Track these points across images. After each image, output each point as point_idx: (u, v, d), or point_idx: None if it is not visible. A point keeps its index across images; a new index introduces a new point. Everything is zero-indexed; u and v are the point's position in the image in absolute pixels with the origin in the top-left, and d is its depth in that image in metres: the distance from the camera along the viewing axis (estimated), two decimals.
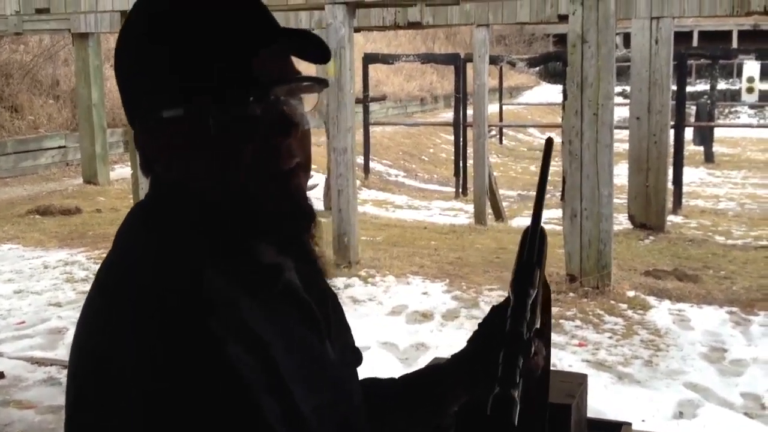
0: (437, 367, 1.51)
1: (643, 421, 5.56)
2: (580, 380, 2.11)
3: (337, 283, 8.91)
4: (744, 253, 11.31)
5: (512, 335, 1.20)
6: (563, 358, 6.78)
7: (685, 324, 7.75)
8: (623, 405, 5.76)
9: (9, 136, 18.70)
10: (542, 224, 1.33)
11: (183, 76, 1.14)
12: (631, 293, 8.46)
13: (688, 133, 19.58)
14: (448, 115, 24.58)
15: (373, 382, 1.50)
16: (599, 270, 8.44)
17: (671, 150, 13.59)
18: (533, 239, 1.30)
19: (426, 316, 8.04)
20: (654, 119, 12.40)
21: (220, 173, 1.15)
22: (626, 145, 13.17)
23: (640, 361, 6.78)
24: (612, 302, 8.18)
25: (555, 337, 7.23)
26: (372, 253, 10.34)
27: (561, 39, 35.27)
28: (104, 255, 1.22)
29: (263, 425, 1.06)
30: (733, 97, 34.41)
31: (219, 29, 1.14)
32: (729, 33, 42.73)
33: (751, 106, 32.66)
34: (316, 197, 17.02)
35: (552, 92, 40.22)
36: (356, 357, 1.42)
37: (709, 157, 23.84)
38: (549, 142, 1.35)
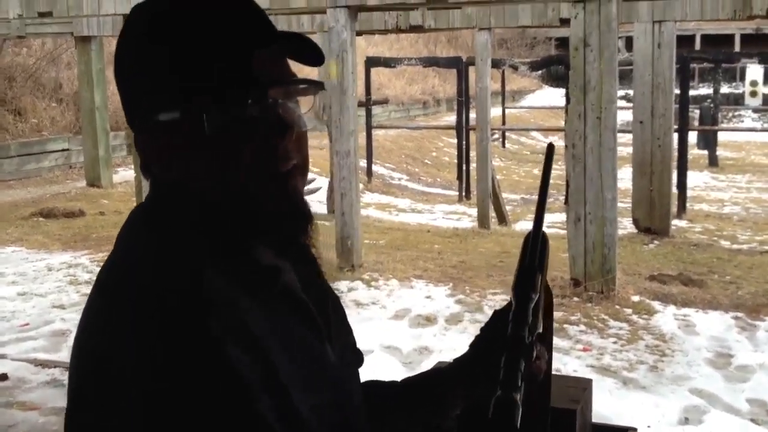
0: (439, 370, 1.51)
1: (648, 426, 5.55)
2: (585, 385, 2.10)
3: (341, 286, 8.90)
4: (749, 257, 11.28)
5: (514, 339, 1.21)
6: (567, 363, 6.76)
7: (691, 329, 7.73)
8: (628, 410, 5.74)
9: (12, 139, 18.72)
10: (544, 229, 1.33)
11: (182, 77, 1.14)
12: (635, 298, 8.43)
13: (692, 136, 19.55)
14: (451, 119, 24.58)
15: (373, 384, 1.50)
16: (603, 274, 8.42)
17: (675, 154, 13.57)
18: (535, 244, 1.30)
19: (429, 320, 8.03)
20: (657, 123, 12.38)
21: (218, 174, 1.15)
22: (630, 149, 13.16)
23: (645, 367, 6.76)
24: (617, 307, 8.16)
25: (559, 342, 7.22)
26: (375, 257, 10.33)
27: (563, 42, 35.28)
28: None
29: (262, 425, 1.07)
30: (737, 100, 34.38)
31: (218, 31, 1.15)
32: (731, 37, 42.77)
33: (755, 110, 32.59)
34: (318, 200, 17.01)
35: (554, 96, 40.21)
36: (357, 358, 1.43)
37: (713, 161, 23.81)
38: (550, 147, 1.36)
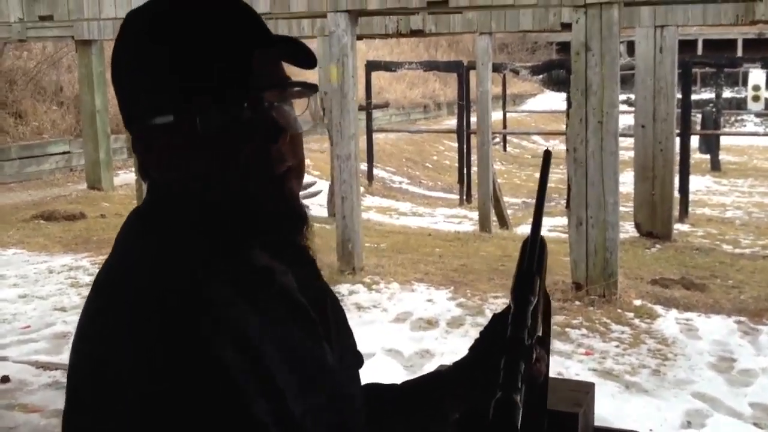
0: (438, 373, 1.53)
1: (650, 430, 5.54)
2: (587, 389, 2.09)
3: (342, 289, 8.89)
4: (752, 262, 11.27)
5: (513, 341, 1.21)
6: (570, 367, 6.75)
7: (693, 333, 7.71)
8: (631, 414, 5.74)
9: (13, 141, 18.75)
10: (542, 233, 1.34)
11: (177, 80, 1.15)
12: (637, 302, 8.42)
13: (694, 141, 19.55)
14: (451, 123, 24.62)
15: (373, 387, 1.50)
16: (605, 278, 8.41)
17: (677, 158, 13.56)
18: (533, 248, 1.30)
19: (431, 324, 8.02)
20: (659, 127, 12.38)
21: (213, 176, 1.16)
22: (632, 153, 13.15)
23: (648, 371, 6.75)
24: (618, 311, 8.15)
25: (561, 346, 7.21)
26: (376, 260, 10.32)
27: (564, 47, 35.37)
28: None
29: (257, 427, 1.07)
30: (739, 105, 34.45)
31: (215, 34, 1.16)
32: (734, 41, 42.78)
33: (757, 115, 32.66)
34: (319, 204, 17.03)
35: (555, 100, 40.24)
36: (357, 360, 1.43)
37: (715, 166, 23.83)
38: (547, 153, 1.36)
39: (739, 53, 40.77)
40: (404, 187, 22.08)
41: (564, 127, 9.49)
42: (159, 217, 1.21)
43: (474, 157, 16.82)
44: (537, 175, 1.39)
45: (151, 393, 1.02)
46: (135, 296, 1.10)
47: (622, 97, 10.05)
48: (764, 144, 28.47)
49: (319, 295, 1.34)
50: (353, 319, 7.82)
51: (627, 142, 13.64)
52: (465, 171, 18.97)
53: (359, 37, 12.07)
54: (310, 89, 1.25)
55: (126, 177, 17.72)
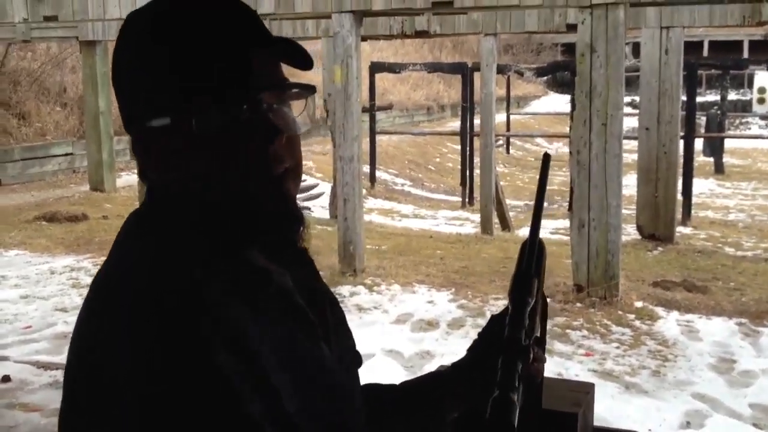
0: (437, 374, 1.54)
1: (650, 431, 5.53)
2: (587, 389, 2.09)
3: (343, 290, 8.90)
4: (754, 264, 11.26)
5: (510, 341, 1.22)
6: (570, 368, 6.75)
7: (694, 335, 7.71)
8: (630, 415, 5.73)
9: (16, 143, 18.78)
10: (541, 235, 1.35)
11: (174, 82, 1.15)
12: (639, 304, 8.42)
13: (698, 143, 19.55)
14: (455, 125, 24.62)
15: (372, 387, 1.50)
16: (607, 280, 8.40)
17: (681, 161, 13.55)
18: (531, 250, 1.31)
19: (431, 325, 8.02)
20: (663, 130, 12.37)
21: (210, 178, 1.16)
22: (635, 156, 13.15)
23: (648, 372, 6.75)
24: (619, 313, 8.15)
25: (562, 347, 7.22)
26: (378, 262, 10.33)
27: (569, 48, 35.36)
28: None
29: (252, 428, 1.07)
30: (744, 107, 34.37)
31: (214, 35, 1.16)
32: (740, 43, 42.75)
33: (762, 117, 32.63)
34: (321, 206, 17.03)
35: (560, 102, 40.24)
36: (356, 360, 1.43)
37: (719, 168, 23.82)
38: (546, 156, 1.37)
39: (745, 55, 40.73)
40: (406, 189, 22.09)
41: (568, 129, 9.48)
42: (157, 219, 1.21)
43: (477, 160, 16.82)
44: None
45: (148, 394, 1.02)
46: (133, 297, 1.10)
47: (627, 99, 10.05)
48: None
49: (318, 296, 1.34)
50: (354, 320, 7.84)
51: (631, 144, 13.64)
52: (467, 173, 18.98)
53: (363, 38, 12.09)
54: (308, 90, 1.25)
55: (128, 178, 17.77)
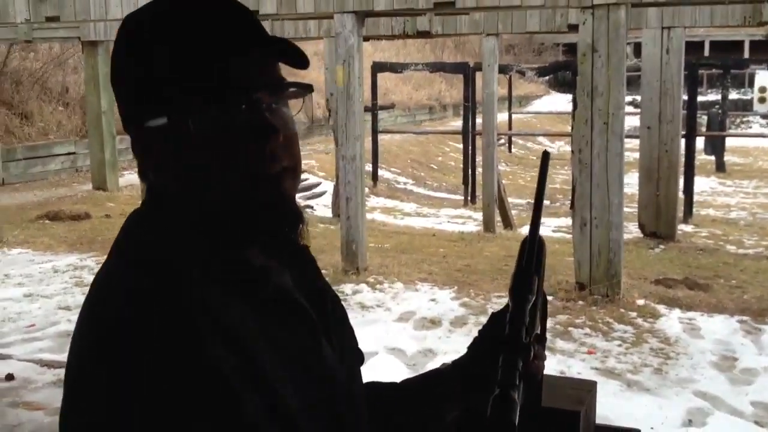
0: (437, 372, 1.53)
1: (652, 428, 5.54)
2: (589, 387, 2.10)
3: (345, 289, 8.91)
4: (755, 262, 11.27)
5: (511, 339, 1.22)
6: (572, 366, 6.76)
7: (696, 333, 7.72)
8: (632, 412, 5.74)
9: (19, 142, 18.80)
10: (543, 233, 1.35)
11: (169, 82, 1.16)
12: (641, 302, 8.43)
13: (700, 142, 19.54)
14: (457, 124, 24.62)
15: (373, 385, 1.50)
16: (609, 278, 8.41)
17: (682, 159, 13.56)
18: (531, 248, 1.31)
19: (434, 323, 8.03)
20: (665, 129, 12.37)
21: (208, 177, 1.17)
22: (637, 154, 13.16)
23: (650, 369, 6.75)
24: (622, 311, 8.15)
25: (564, 345, 7.22)
26: (380, 260, 10.33)
27: (571, 48, 35.30)
28: None
29: (251, 426, 1.08)
30: (745, 107, 34.33)
31: (204, 34, 1.16)
32: (741, 43, 42.71)
33: (763, 116, 32.62)
34: (324, 204, 17.04)
35: (561, 101, 40.22)
36: (358, 357, 1.43)
37: (720, 167, 23.82)
38: (545, 154, 1.37)
39: (746, 55, 40.70)
40: (409, 187, 22.09)
41: (569, 128, 9.49)
42: (157, 218, 1.22)
43: (479, 158, 16.82)
44: None
45: (147, 394, 1.03)
46: (132, 297, 1.10)
47: (628, 98, 10.06)
48: None
49: (319, 294, 1.34)
50: (357, 318, 7.85)
51: (632, 143, 13.64)
52: (470, 172, 18.98)
53: (365, 38, 12.08)
54: (305, 89, 1.25)
55: (131, 178, 17.78)
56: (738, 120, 35.65)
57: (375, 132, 20.12)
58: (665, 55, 12.21)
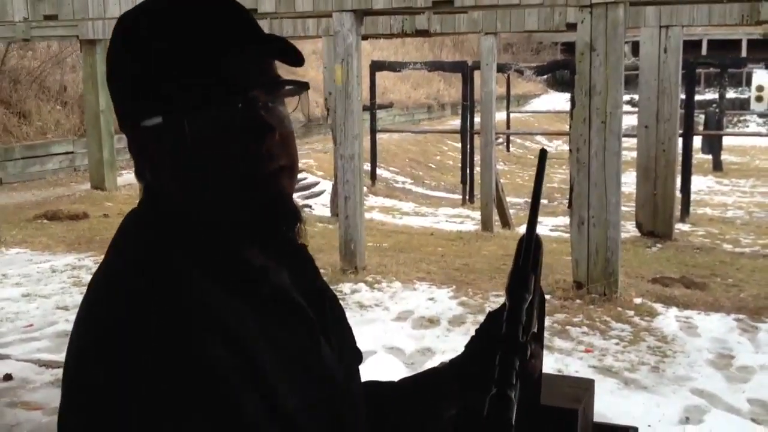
0: (435, 370, 1.52)
1: (649, 426, 5.55)
2: (587, 385, 2.10)
3: (344, 288, 8.92)
4: (752, 261, 11.29)
5: (508, 338, 1.22)
6: (570, 364, 6.77)
7: (692, 331, 7.73)
8: (630, 410, 5.75)
9: (17, 141, 18.78)
10: (540, 232, 1.35)
11: (163, 82, 1.15)
12: (638, 300, 8.44)
13: (697, 141, 19.56)
14: (455, 123, 24.61)
15: (370, 384, 1.51)
16: (606, 277, 8.42)
17: (679, 158, 13.57)
18: (528, 246, 1.31)
19: (432, 322, 8.04)
20: (662, 128, 12.39)
21: (205, 177, 1.16)
22: (634, 154, 13.17)
23: (647, 367, 6.77)
24: (619, 309, 8.16)
25: (561, 343, 7.23)
26: (378, 259, 10.34)
27: (569, 47, 35.29)
28: None
29: (250, 425, 1.08)
30: (742, 105, 34.39)
31: (197, 34, 1.16)
32: (738, 42, 42.67)
33: (761, 115, 32.65)
34: (322, 204, 17.04)
35: (559, 100, 40.22)
36: (356, 356, 1.43)
37: (717, 166, 23.83)
38: (543, 152, 1.38)
39: (744, 53, 40.69)
40: (407, 187, 22.10)
41: (567, 127, 9.49)
42: (154, 218, 1.22)
43: (477, 158, 16.82)
44: None
45: (144, 393, 1.03)
46: (129, 296, 1.11)
47: (626, 97, 10.07)
48: (766, 144, 28.45)
49: (317, 294, 1.34)
50: (355, 317, 7.86)
51: (630, 142, 13.66)
52: (468, 171, 18.99)
53: (364, 37, 12.09)
54: (301, 87, 1.25)
55: (129, 177, 17.74)
56: (735, 119, 35.69)
57: (373, 131, 20.12)
58: (663, 54, 12.22)
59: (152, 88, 1.16)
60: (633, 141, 13.43)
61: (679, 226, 13.75)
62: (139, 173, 1.25)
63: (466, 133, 19.11)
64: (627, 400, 6.04)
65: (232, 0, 1.22)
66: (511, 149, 29.89)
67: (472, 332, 1.45)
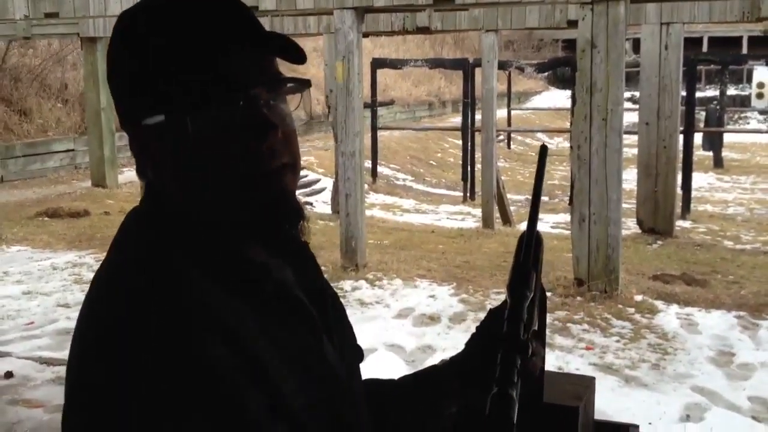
0: (435, 368, 1.52)
1: (650, 423, 5.55)
2: (588, 383, 2.09)
3: (345, 285, 8.92)
4: (753, 257, 11.29)
5: (509, 336, 1.21)
6: (570, 362, 6.77)
7: (693, 328, 7.73)
8: (631, 408, 5.75)
9: (18, 139, 18.78)
10: (539, 228, 1.35)
11: (164, 80, 1.15)
12: (639, 297, 8.44)
13: (698, 138, 19.55)
14: (456, 120, 24.59)
15: (371, 382, 1.50)
16: (607, 274, 8.42)
17: (680, 155, 13.57)
18: (529, 243, 1.30)
19: (433, 319, 8.04)
20: (663, 124, 12.39)
21: (207, 175, 1.16)
22: (635, 150, 13.17)
23: (648, 365, 6.77)
24: (620, 306, 8.16)
25: (562, 341, 7.23)
26: (379, 257, 10.34)
27: (570, 44, 35.30)
28: None
29: (253, 424, 1.08)
30: (743, 102, 34.36)
31: (199, 32, 1.16)
32: (739, 39, 42.69)
33: (761, 112, 32.58)
34: (323, 201, 17.03)
35: (560, 97, 40.22)
36: (357, 354, 1.43)
37: (718, 163, 23.82)
38: (543, 148, 1.37)
39: (745, 50, 40.69)
40: (408, 184, 22.10)
41: (568, 124, 9.50)
42: (155, 216, 1.22)
43: (478, 155, 16.81)
44: None
45: (145, 392, 1.03)
46: (130, 295, 1.11)
47: (627, 94, 10.07)
48: (767, 141, 28.43)
49: (319, 291, 1.34)
50: (356, 314, 7.86)
51: (631, 139, 13.67)
52: (469, 168, 18.98)
53: (365, 35, 12.08)
54: (303, 85, 1.25)
55: (130, 174, 17.73)
56: (736, 116, 35.64)
57: (374, 128, 20.11)
58: (664, 50, 12.22)
59: (150, 85, 1.16)
60: (634, 138, 13.42)
61: (680, 223, 13.75)
62: (141, 171, 1.24)
63: (467, 130, 19.10)
64: (628, 397, 6.04)
65: None
66: (512, 146, 29.87)
67: (473, 330, 1.45)
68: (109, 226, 12.56)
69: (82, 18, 13.86)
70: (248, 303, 1.16)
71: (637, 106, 13.88)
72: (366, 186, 12.31)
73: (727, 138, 25.43)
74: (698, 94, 19.15)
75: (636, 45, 21.40)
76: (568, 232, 9.30)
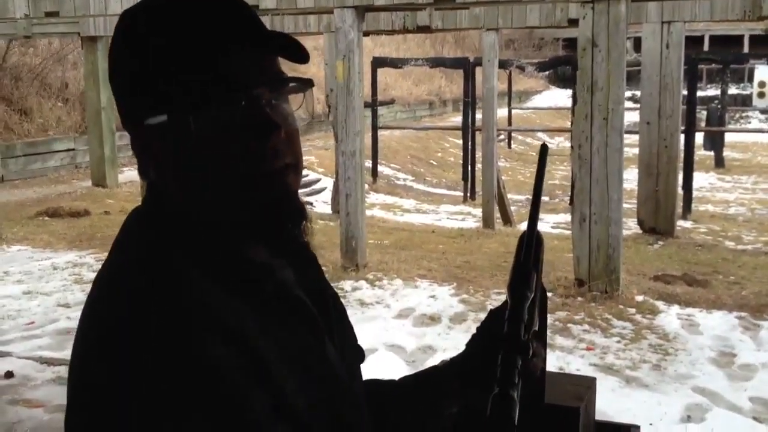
0: (436, 369, 1.52)
1: (651, 424, 5.54)
2: (588, 383, 2.09)
3: (345, 285, 8.91)
4: (754, 258, 11.28)
5: (510, 337, 1.21)
6: (571, 362, 6.76)
7: (694, 329, 7.72)
8: (631, 408, 5.75)
9: (18, 138, 18.79)
10: (539, 228, 1.34)
11: (167, 80, 1.15)
12: (639, 298, 8.43)
13: (699, 137, 19.54)
14: (457, 119, 24.59)
15: (372, 383, 1.50)
16: (608, 274, 8.41)
17: (681, 155, 13.56)
18: (530, 243, 1.30)
19: (433, 319, 8.03)
20: (664, 124, 12.38)
21: (209, 175, 1.16)
22: (636, 150, 13.17)
23: (649, 365, 6.76)
24: (620, 307, 8.16)
25: (563, 341, 7.23)
26: (380, 257, 10.33)
27: (571, 43, 35.26)
28: None
29: (254, 424, 1.07)
30: (744, 101, 34.33)
31: (201, 32, 1.15)
32: (740, 38, 42.71)
33: (763, 111, 32.56)
34: (323, 201, 17.03)
35: (561, 96, 40.22)
36: (358, 354, 1.43)
37: (719, 162, 23.81)
38: (543, 147, 1.38)
39: (746, 49, 40.71)
40: (408, 184, 22.10)
41: (569, 123, 9.49)
42: (157, 216, 1.21)
43: (478, 154, 16.81)
44: None
45: (145, 392, 1.03)
46: (130, 295, 1.11)
47: (628, 93, 10.07)
48: None
49: (320, 291, 1.34)
50: (356, 315, 7.85)
51: (632, 138, 13.66)
52: (469, 168, 18.98)
53: (365, 33, 12.07)
54: (306, 84, 1.24)
55: (131, 174, 17.76)
56: (737, 115, 35.63)
57: (375, 128, 20.11)
58: (665, 49, 12.21)
59: (151, 84, 1.16)
60: (635, 137, 13.42)
61: (681, 223, 13.74)
62: (143, 171, 1.24)
63: (467, 129, 19.09)
64: (629, 398, 6.04)
65: None
66: (513, 146, 29.86)
67: (474, 330, 1.44)
68: (110, 226, 12.56)
69: (82, 17, 13.87)
70: (248, 303, 1.15)
71: (638, 106, 13.87)
72: (366, 186, 12.30)
73: (729, 137, 25.42)
74: (699, 94, 19.14)
75: (637, 44, 21.38)
76: (568, 232, 9.29)
